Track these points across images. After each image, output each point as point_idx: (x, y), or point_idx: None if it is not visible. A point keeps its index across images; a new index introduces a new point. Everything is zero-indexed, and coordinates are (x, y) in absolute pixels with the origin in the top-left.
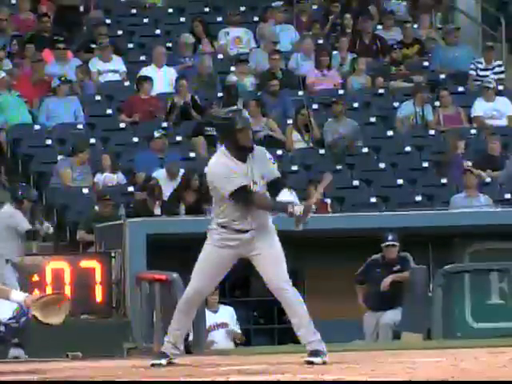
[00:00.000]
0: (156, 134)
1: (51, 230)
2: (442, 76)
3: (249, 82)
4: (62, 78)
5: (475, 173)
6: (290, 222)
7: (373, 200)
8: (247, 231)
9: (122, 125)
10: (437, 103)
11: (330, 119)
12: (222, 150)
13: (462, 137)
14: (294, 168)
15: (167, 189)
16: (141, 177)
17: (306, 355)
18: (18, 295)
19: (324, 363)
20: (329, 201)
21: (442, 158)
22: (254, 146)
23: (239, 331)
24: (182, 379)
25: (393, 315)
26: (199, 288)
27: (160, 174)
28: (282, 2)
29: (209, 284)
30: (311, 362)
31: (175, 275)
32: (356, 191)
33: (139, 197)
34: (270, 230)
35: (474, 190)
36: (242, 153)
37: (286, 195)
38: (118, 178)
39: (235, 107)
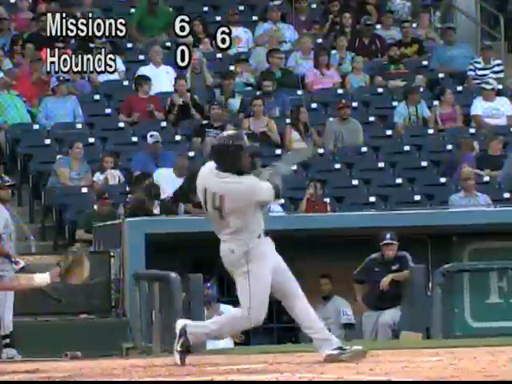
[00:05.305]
0: (149, 140)
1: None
2: (441, 75)
3: (248, 81)
4: (61, 78)
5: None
6: (291, 222)
7: (372, 199)
8: None
9: (121, 124)
10: (435, 102)
11: (331, 119)
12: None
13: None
14: (293, 167)
15: (174, 186)
16: (136, 175)
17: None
18: (42, 278)
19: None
20: (328, 200)
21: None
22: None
23: None
24: (181, 379)
25: (392, 314)
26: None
27: (167, 171)
28: (280, 1)
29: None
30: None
31: (174, 275)
32: (355, 190)
33: (134, 198)
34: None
35: (473, 189)
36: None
37: None
38: (117, 177)
39: (234, 131)
